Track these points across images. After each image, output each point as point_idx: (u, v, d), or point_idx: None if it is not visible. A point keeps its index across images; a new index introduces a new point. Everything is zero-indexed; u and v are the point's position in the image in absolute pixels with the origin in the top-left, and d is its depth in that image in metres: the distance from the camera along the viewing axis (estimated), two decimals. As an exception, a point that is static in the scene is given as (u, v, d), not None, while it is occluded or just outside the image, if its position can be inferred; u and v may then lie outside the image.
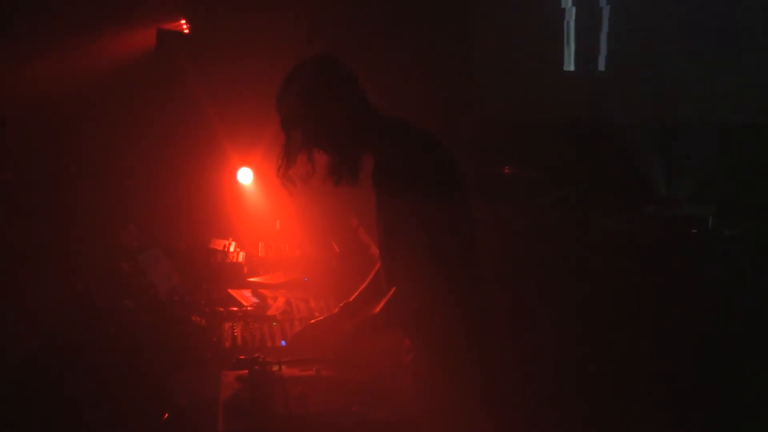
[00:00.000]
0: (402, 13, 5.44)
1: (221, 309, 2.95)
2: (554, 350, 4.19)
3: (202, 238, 3.88)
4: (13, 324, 2.92)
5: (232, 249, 3.80)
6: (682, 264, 4.79)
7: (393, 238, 2.21)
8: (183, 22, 4.83)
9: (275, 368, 2.24)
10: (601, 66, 5.82)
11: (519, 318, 4.27)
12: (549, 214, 5.29)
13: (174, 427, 2.27)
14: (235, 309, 2.97)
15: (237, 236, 3.98)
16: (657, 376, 4.10)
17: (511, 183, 5.46)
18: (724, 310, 4.49)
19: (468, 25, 5.88)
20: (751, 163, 5.31)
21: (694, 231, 5.01)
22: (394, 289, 2.23)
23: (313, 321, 2.61)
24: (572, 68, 5.82)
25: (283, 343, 2.59)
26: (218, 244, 3.81)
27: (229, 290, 3.20)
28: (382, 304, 2.27)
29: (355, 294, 2.54)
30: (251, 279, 3.48)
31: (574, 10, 5.74)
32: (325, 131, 2.23)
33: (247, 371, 2.16)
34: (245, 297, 3.12)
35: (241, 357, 2.28)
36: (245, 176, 4.28)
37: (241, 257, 3.68)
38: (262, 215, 4.18)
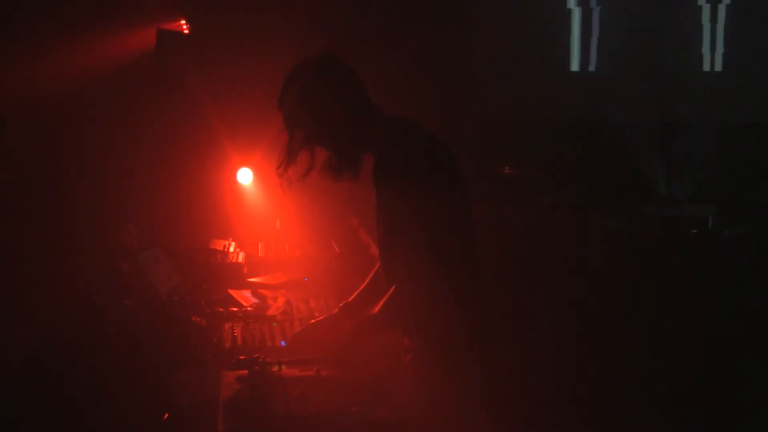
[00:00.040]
0: (402, 13, 5.44)
1: (221, 309, 2.95)
2: (554, 350, 4.19)
3: (202, 238, 3.88)
4: (13, 324, 2.92)
5: (232, 249, 3.79)
6: (682, 264, 4.79)
7: (393, 237, 2.21)
8: (183, 22, 4.83)
9: (275, 368, 2.24)
10: (601, 66, 5.83)
11: (519, 318, 4.27)
12: (549, 214, 5.29)
13: (174, 427, 2.26)
14: (235, 309, 2.97)
15: (237, 236, 3.98)
16: (657, 376, 4.10)
17: (511, 183, 5.46)
18: (724, 310, 4.49)
19: (468, 25, 5.88)
20: (751, 163, 5.32)
21: (694, 231, 5.01)
22: (393, 288, 2.23)
23: (312, 321, 2.61)
24: (577, 69, 5.82)
25: (282, 343, 2.59)
26: (218, 245, 3.80)
27: (229, 290, 3.20)
28: (381, 304, 2.27)
29: (355, 294, 2.54)
30: (251, 279, 3.48)
31: (578, 10, 5.74)
32: (326, 130, 2.23)
33: (247, 371, 2.16)
34: (245, 297, 3.12)
35: (241, 357, 2.28)
36: (245, 176, 4.28)
37: (241, 257, 3.68)
38: (262, 215, 4.18)
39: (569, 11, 5.80)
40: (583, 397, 3.87)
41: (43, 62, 4.08)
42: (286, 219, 4.07)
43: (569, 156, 5.52)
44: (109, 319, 2.74)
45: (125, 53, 4.53)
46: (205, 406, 2.18)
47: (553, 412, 3.68)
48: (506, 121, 5.90)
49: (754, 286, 4.56)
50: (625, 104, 5.66)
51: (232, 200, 4.31)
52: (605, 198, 5.40)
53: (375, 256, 2.58)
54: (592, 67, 5.83)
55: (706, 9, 5.58)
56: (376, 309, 2.28)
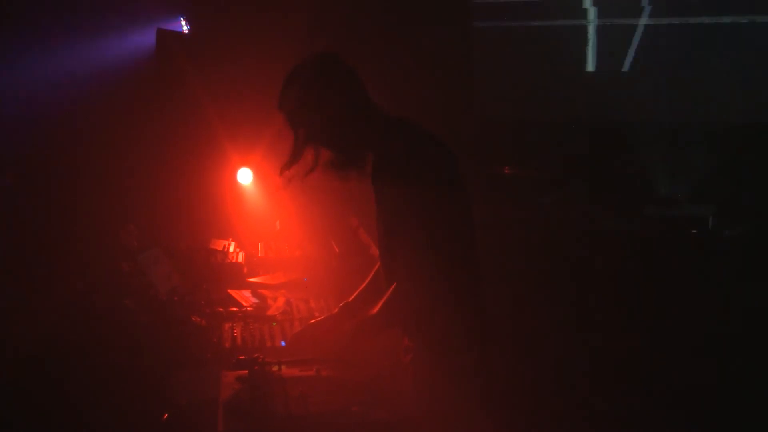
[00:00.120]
0: (402, 13, 5.44)
1: (221, 309, 2.95)
2: (554, 350, 4.19)
3: (202, 238, 3.88)
4: (13, 324, 2.92)
5: (231, 249, 3.80)
6: (682, 264, 4.79)
7: (393, 237, 2.21)
8: (183, 22, 4.83)
9: (275, 368, 2.24)
10: (601, 67, 5.83)
11: (519, 318, 4.27)
12: (549, 214, 5.29)
13: (174, 427, 2.27)
14: (234, 309, 2.97)
15: (237, 236, 3.98)
16: (657, 376, 4.10)
17: (511, 183, 5.46)
18: (724, 310, 4.49)
19: (468, 25, 5.88)
20: (751, 163, 5.31)
21: (694, 231, 5.01)
22: (393, 288, 2.23)
23: (312, 321, 2.61)
24: (578, 69, 5.82)
25: (282, 343, 2.59)
26: (218, 245, 3.80)
27: (229, 290, 3.20)
28: (381, 304, 2.27)
29: (355, 294, 2.54)
30: (251, 279, 3.48)
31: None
32: (326, 129, 2.23)
33: (247, 371, 2.16)
34: (245, 297, 3.12)
35: (241, 357, 2.28)
36: (245, 176, 4.27)
37: (240, 257, 3.68)
38: (261, 215, 4.18)
39: (570, 11, 5.80)
40: (583, 397, 3.87)
41: (43, 62, 4.08)
42: (286, 219, 4.07)
43: (569, 156, 5.52)
44: (109, 319, 2.74)
45: (125, 53, 4.53)
46: (205, 406, 2.18)
47: (553, 412, 3.68)
48: (506, 121, 5.90)
49: (754, 286, 4.55)
50: (625, 105, 5.67)
51: (232, 200, 4.31)
52: (605, 198, 5.40)
53: (375, 256, 2.58)
54: (592, 68, 5.83)
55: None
56: (376, 309, 2.28)
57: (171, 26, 4.78)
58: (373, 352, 2.35)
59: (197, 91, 4.50)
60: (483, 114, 5.93)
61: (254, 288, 3.30)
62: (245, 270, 3.57)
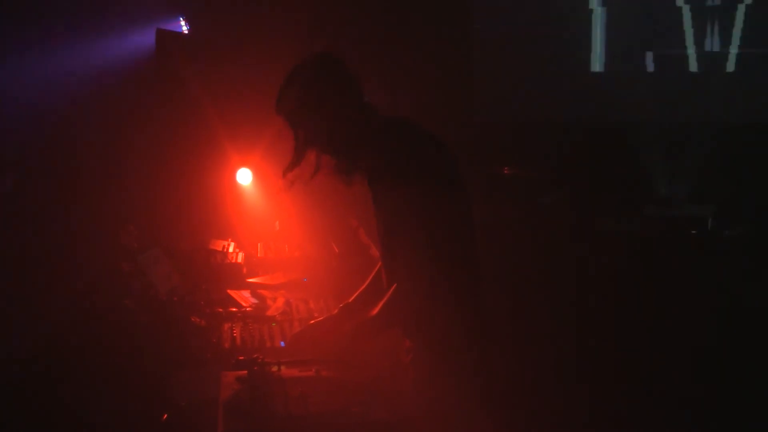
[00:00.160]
0: (402, 13, 5.44)
1: (221, 309, 2.95)
2: (554, 350, 4.19)
3: (202, 239, 3.88)
4: (13, 324, 2.92)
5: (231, 249, 3.79)
6: (682, 264, 4.79)
7: (393, 238, 2.21)
8: (182, 22, 4.83)
9: (275, 369, 2.24)
10: (601, 67, 5.83)
11: (519, 318, 4.27)
12: (549, 214, 5.29)
13: (174, 427, 2.27)
14: (234, 309, 2.97)
15: (236, 237, 3.97)
16: (657, 376, 4.10)
17: (511, 183, 5.46)
18: (724, 310, 4.49)
19: (468, 25, 5.88)
20: (751, 163, 5.32)
21: (694, 231, 5.01)
22: (393, 289, 2.23)
23: (312, 322, 2.60)
24: (578, 69, 5.82)
25: (282, 343, 2.59)
26: (218, 245, 3.80)
27: (229, 291, 3.19)
28: (381, 305, 2.27)
29: (355, 295, 2.54)
30: (250, 279, 3.47)
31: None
32: (326, 129, 2.23)
33: (246, 372, 2.16)
34: (244, 298, 3.12)
35: (241, 358, 2.28)
36: (244, 177, 4.27)
37: (240, 258, 3.68)
38: (261, 216, 4.17)
39: (572, 10, 5.80)
40: (583, 397, 3.87)
41: (43, 62, 4.08)
42: (286, 219, 4.07)
43: (569, 156, 5.52)
44: (109, 319, 2.74)
45: (125, 53, 4.53)
46: (205, 407, 2.18)
47: (553, 412, 3.68)
48: (506, 121, 5.91)
49: (754, 286, 4.55)
50: (625, 104, 5.67)
51: (231, 200, 4.31)
52: (605, 198, 5.40)
53: (375, 256, 2.57)
54: (592, 68, 5.84)
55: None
56: (376, 310, 2.28)
57: (170, 26, 4.78)
58: (373, 352, 2.35)
59: (197, 91, 4.50)
60: (483, 114, 5.93)
61: (254, 288, 3.30)
62: (245, 270, 3.57)
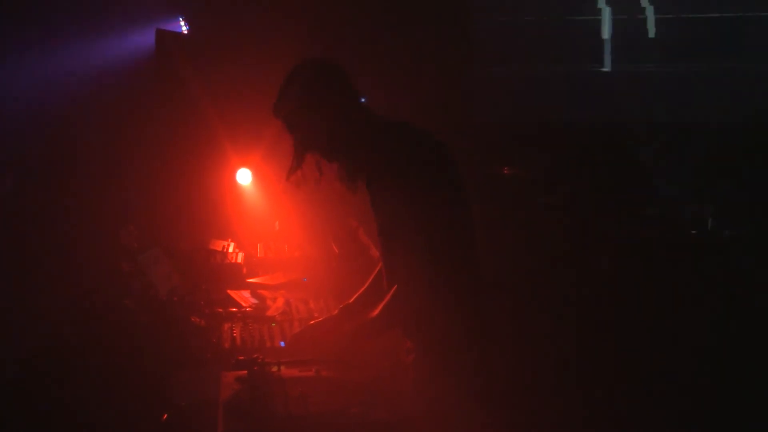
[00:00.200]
0: (402, 13, 5.44)
1: (220, 310, 2.95)
2: (554, 350, 4.18)
3: (202, 239, 3.88)
4: (13, 324, 2.92)
5: (231, 249, 3.79)
6: (682, 264, 4.79)
7: (392, 239, 2.21)
8: (182, 22, 4.83)
9: (275, 369, 2.24)
10: (601, 67, 5.83)
11: (519, 318, 4.27)
12: (549, 214, 5.29)
13: (174, 427, 2.27)
14: (234, 310, 2.97)
15: (236, 237, 3.98)
16: (657, 376, 4.10)
17: (511, 183, 5.46)
18: (724, 310, 4.49)
19: (468, 25, 5.88)
20: (751, 163, 5.32)
21: (694, 231, 5.01)
22: (393, 290, 2.23)
23: (312, 322, 2.61)
24: (578, 69, 5.82)
25: (282, 344, 2.59)
26: (217, 245, 3.80)
27: (229, 291, 3.20)
28: (381, 307, 2.27)
29: (355, 296, 2.54)
30: (250, 280, 3.48)
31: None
32: (325, 131, 2.24)
33: (246, 372, 2.16)
34: (244, 298, 3.12)
35: (241, 358, 2.28)
36: (244, 177, 4.27)
37: (240, 258, 3.68)
38: (261, 216, 4.17)
39: (576, 9, 5.80)
40: (583, 397, 3.87)
41: (43, 62, 4.08)
42: (286, 219, 4.07)
43: (569, 156, 5.52)
44: (109, 319, 2.74)
45: (125, 54, 4.53)
46: (205, 407, 2.18)
47: (553, 412, 3.68)
48: (506, 122, 5.90)
49: (754, 286, 4.55)
50: (625, 105, 5.67)
51: (231, 201, 4.31)
52: (605, 198, 5.40)
53: (375, 257, 2.57)
54: (593, 68, 5.83)
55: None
56: (377, 311, 2.28)
57: (170, 26, 4.78)
58: (372, 352, 2.35)
59: (197, 91, 4.50)
60: (483, 114, 5.93)
61: (253, 288, 3.30)
62: (244, 270, 3.57)
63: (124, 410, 2.39)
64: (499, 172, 5.50)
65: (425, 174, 2.15)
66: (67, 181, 4.14)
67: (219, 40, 4.85)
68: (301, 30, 4.78)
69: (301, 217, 3.93)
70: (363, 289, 2.54)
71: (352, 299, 2.53)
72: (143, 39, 4.58)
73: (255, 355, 2.28)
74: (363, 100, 2.33)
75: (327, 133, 2.24)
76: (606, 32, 5.76)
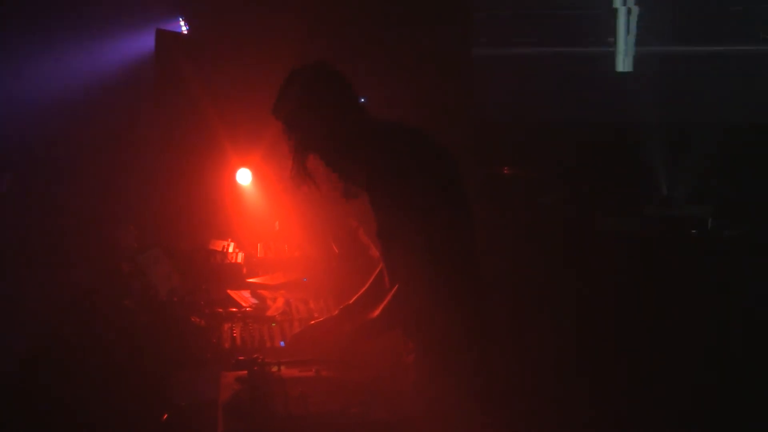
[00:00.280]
0: (402, 13, 5.45)
1: (220, 310, 2.95)
2: (554, 350, 4.19)
3: (202, 239, 3.87)
4: (13, 324, 2.92)
5: (231, 250, 3.79)
6: (682, 264, 4.79)
7: (392, 239, 2.21)
8: (182, 22, 4.83)
9: (275, 369, 2.24)
10: (601, 67, 5.83)
11: (519, 318, 4.27)
12: (549, 214, 5.29)
13: (174, 427, 2.26)
14: (234, 310, 2.97)
15: (236, 237, 3.97)
16: (657, 376, 4.10)
17: (511, 183, 5.46)
18: (724, 310, 4.49)
19: (468, 25, 5.88)
20: (751, 163, 5.32)
21: (694, 231, 5.01)
22: (393, 291, 2.23)
23: (312, 322, 2.61)
24: (578, 69, 5.82)
25: (282, 344, 2.59)
26: (217, 245, 3.80)
27: (229, 291, 3.19)
28: (381, 307, 2.27)
29: (355, 297, 2.54)
30: (250, 280, 3.47)
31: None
32: (324, 132, 2.23)
33: (246, 372, 2.16)
34: (244, 298, 3.12)
35: (241, 358, 2.28)
36: (244, 177, 4.27)
37: (240, 258, 3.67)
38: (261, 216, 4.17)
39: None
40: (583, 397, 3.87)
41: (43, 63, 4.08)
42: (286, 219, 4.07)
43: (569, 156, 5.52)
44: (109, 319, 2.74)
45: (125, 54, 4.53)
46: (205, 407, 2.18)
47: (553, 412, 3.68)
48: (506, 122, 5.91)
49: (754, 286, 4.56)
50: (625, 105, 5.67)
51: (231, 201, 4.31)
52: (605, 198, 5.40)
53: (375, 257, 2.57)
54: (593, 68, 5.84)
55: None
56: (377, 312, 2.28)
57: (170, 27, 4.78)
58: (373, 352, 2.35)
59: (197, 91, 4.50)
60: (484, 114, 5.93)
61: (253, 288, 3.30)
62: (244, 270, 3.57)
63: (124, 410, 2.38)
64: (499, 172, 5.50)
65: (425, 174, 2.15)
66: (67, 181, 4.14)
67: (219, 40, 4.85)
68: (301, 30, 4.78)
69: (301, 217, 3.93)
70: (363, 289, 2.54)
71: (352, 300, 2.53)
72: (143, 39, 4.58)
73: (255, 355, 2.28)
74: (363, 100, 2.33)
75: (326, 133, 2.24)
76: (606, 34, 5.77)
